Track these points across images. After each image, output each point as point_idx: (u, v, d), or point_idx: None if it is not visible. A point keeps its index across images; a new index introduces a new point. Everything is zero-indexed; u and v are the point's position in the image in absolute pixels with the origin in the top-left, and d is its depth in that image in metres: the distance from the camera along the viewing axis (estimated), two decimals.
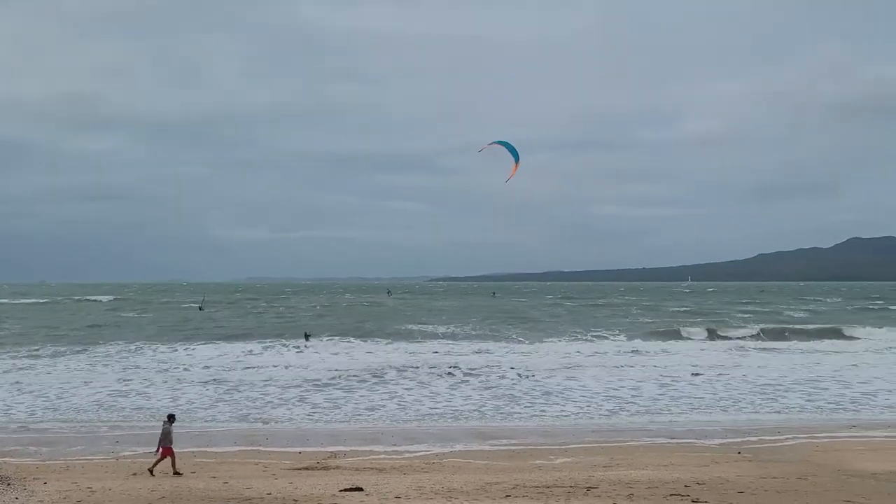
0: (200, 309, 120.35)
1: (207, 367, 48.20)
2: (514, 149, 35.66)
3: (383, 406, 36.13)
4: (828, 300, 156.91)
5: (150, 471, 22.54)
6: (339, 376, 44.12)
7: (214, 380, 43.15)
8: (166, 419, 24.04)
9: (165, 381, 42.53)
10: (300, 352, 57.35)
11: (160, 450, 22.82)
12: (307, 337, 67.88)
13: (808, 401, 37.68)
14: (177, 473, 22.52)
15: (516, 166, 35.66)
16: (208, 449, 27.26)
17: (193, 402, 36.76)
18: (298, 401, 37.31)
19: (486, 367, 48.63)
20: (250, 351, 57.47)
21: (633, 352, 59.04)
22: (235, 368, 48.00)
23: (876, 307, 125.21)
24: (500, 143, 36.35)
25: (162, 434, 23.19)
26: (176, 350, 57.25)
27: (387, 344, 62.69)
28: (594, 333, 72.96)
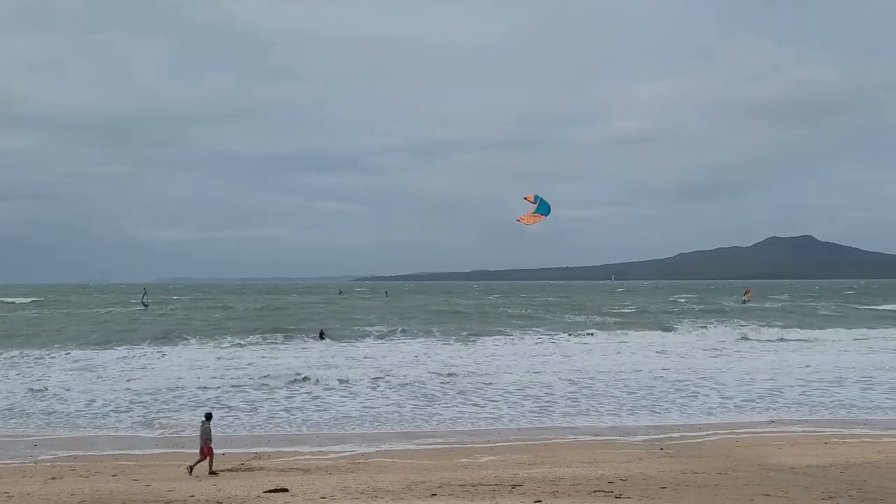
0: (145, 306, 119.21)
1: (129, 369, 47.26)
2: (547, 206, 35.56)
3: (304, 408, 35.69)
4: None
5: (189, 469, 22.69)
6: (263, 377, 43.66)
7: (131, 380, 42.35)
8: (204, 418, 24.12)
9: (83, 384, 41.47)
10: (236, 350, 56.69)
11: (202, 449, 22.97)
12: (322, 335, 67.74)
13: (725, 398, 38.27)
14: (212, 473, 22.60)
15: (538, 217, 35.49)
16: (130, 451, 26.86)
17: (109, 405, 35.82)
18: (215, 402, 36.75)
19: (411, 365, 48.68)
20: (172, 352, 56.60)
21: (553, 347, 59.72)
22: (157, 369, 47.16)
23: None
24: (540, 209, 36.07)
25: (201, 433, 23.33)
26: (97, 352, 56.09)
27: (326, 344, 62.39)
28: (520, 331, 73.33)
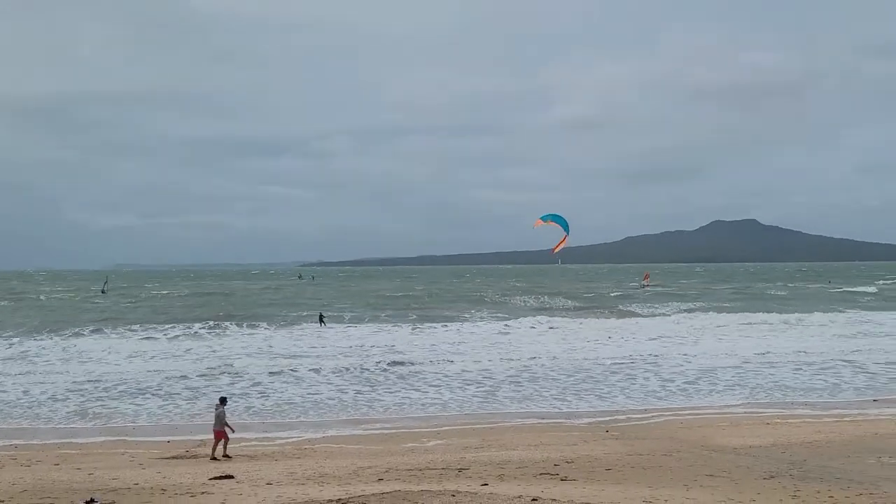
0: (103, 292, 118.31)
1: (68, 358, 46.57)
2: (565, 223, 35.71)
3: (247, 394, 35.34)
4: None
5: (212, 457, 22.86)
6: (205, 365, 43.35)
7: (74, 371, 41.78)
8: (218, 402, 24.29)
9: (19, 372, 40.77)
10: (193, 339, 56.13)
11: (217, 433, 23.22)
12: (322, 319, 67.52)
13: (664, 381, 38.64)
14: (226, 456, 22.88)
15: (565, 238, 35.71)
16: (73, 440, 26.52)
17: (45, 393, 35.13)
18: (155, 392, 36.32)
19: (356, 350, 48.68)
20: (116, 340, 55.93)
21: (499, 332, 59.98)
22: (97, 357, 46.52)
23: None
24: (552, 217, 36.20)
25: (216, 418, 23.51)
26: (37, 340, 55.22)
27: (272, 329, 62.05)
28: (467, 316, 73.45)
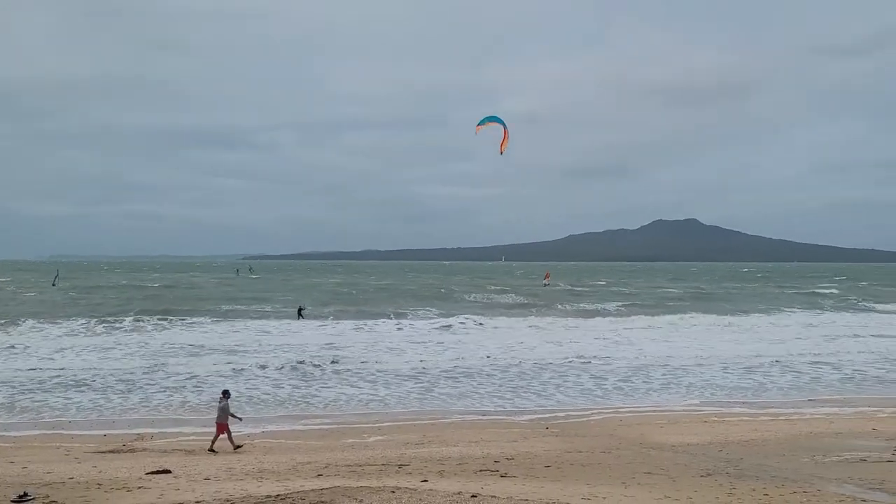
0: (53, 285, 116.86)
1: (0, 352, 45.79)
2: (501, 120, 35.22)
3: (182, 388, 34.90)
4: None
5: (211, 448, 23.07)
6: (142, 358, 42.89)
7: (3, 364, 41.11)
8: (221, 395, 24.43)
9: None
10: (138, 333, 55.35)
11: (219, 426, 23.49)
12: (300, 312, 67.59)
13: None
14: (238, 447, 23.21)
15: (506, 133, 35.09)
16: (5, 433, 26.06)
17: None
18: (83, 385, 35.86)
19: (296, 346, 48.47)
20: (52, 332, 55.06)
21: (444, 328, 60.16)
22: (32, 350, 45.74)
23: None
24: (488, 119, 35.65)
25: (219, 410, 23.71)
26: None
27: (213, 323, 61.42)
28: (408, 313, 73.28)
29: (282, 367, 40.24)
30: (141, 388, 34.76)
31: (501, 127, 35.30)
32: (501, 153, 35.69)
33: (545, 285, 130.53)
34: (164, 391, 34.15)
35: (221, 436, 23.66)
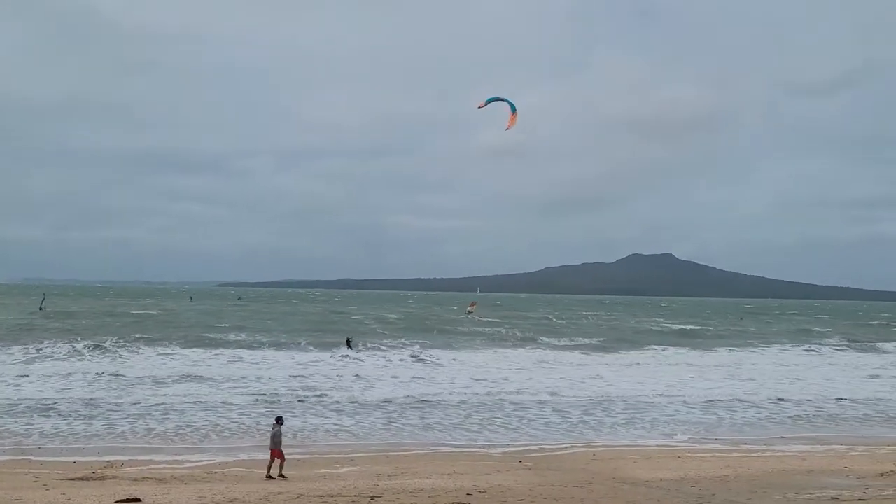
0: (41, 309, 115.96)
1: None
2: (511, 103, 35.32)
3: (147, 415, 34.52)
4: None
5: (268, 475, 23.27)
6: (109, 384, 42.56)
7: None
8: (275, 421, 24.49)
9: None
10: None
11: (272, 452, 23.67)
12: (349, 343, 67.28)
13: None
14: (281, 476, 23.22)
15: (514, 116, 35.18)
16: None
17: None
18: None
19: (269, 373, 48.33)
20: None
21: (412, 358, 59.90)
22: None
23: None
24: (497, 99, 35.64)
25: (273, 437, 23.86)
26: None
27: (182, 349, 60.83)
28: (379, 344, 72.13)
29: (251, 396, 39.95)
30: (104, 414, 34.52)
31: (508, 109, 35.53)
32: (507, 129, 35.93)
33: (468, 313, 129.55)
34: (128, 418, 33.84)
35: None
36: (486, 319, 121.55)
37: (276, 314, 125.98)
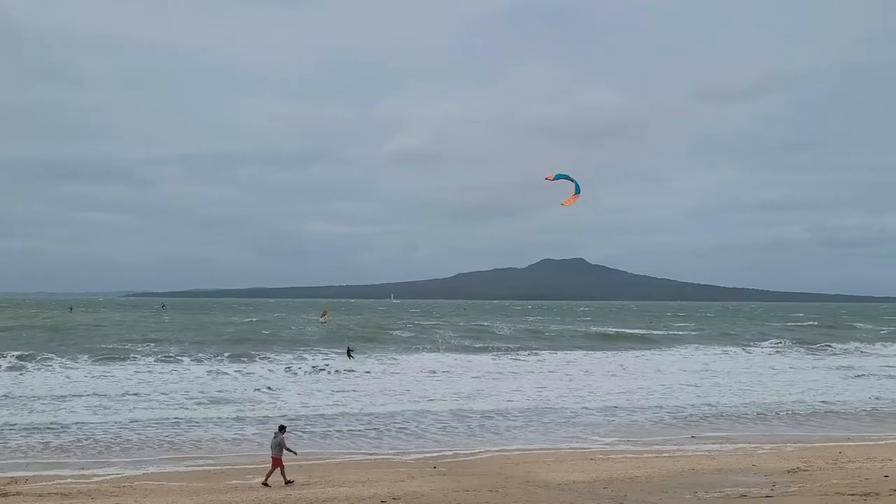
0: None
1: None
2: (576, 183, 35.53)
3: (49, 429, 33.65)
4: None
5: (265, 483, 23.44)
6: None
7: None
8: (277, 430, 24.70)
9: None
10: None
11: (274, 460, 23.85)
12: (350, 353, 66.76)
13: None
14: (288, 482, 23.42)
15: (576, 196, 35.36)
16: None
17: None
18: None
19: (177, 383, 47.65)
20: None
21: (316, 369, 59.33)
22: None
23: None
24: (566, 177, 35.76)
25: (274, 444, 24.03)
26: None
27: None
28: (287, 353, 70.90)
29: (158, 409, 39.10)
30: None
31: (573, 187, 36.06)
32: (563, 204, 36.42)
33: (323, 323, 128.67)
34: (21, 432, 32.85)
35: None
36: (336, 325, 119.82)
37: (190, 324, 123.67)
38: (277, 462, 23.78)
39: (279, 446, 23.94)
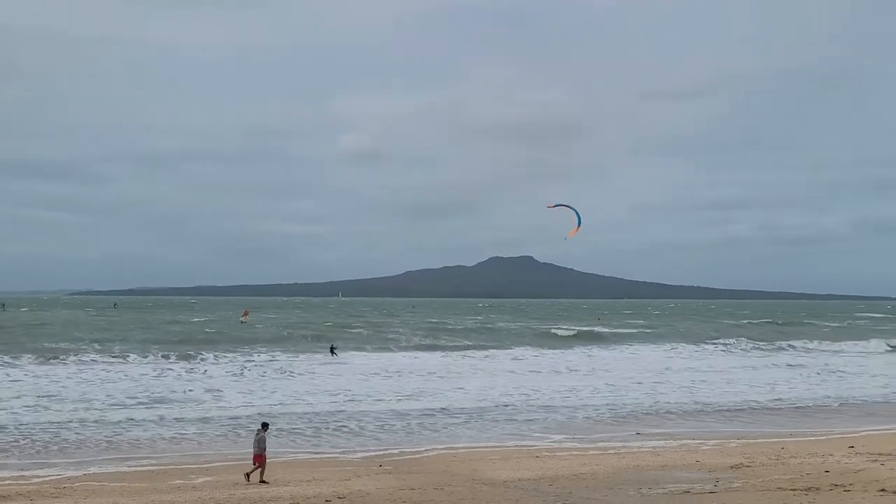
0: None
1: None
2: (578, 214, 35.69)
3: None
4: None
5: (247, 476, 23.59)
6: None
7: None
8: (260, 427, 24.68)
9: None
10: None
11: (255, 458, 23.80)
12: (333, 350, 67.27)
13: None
14: (263, 482, 23.17)
15: (577, 229, 35.59)
16: None
17: None
18: None
19: (122, 387, 47.00)
20: None
21: (263, 368, 58.92)
22: None
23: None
24: (566, 206, 35.82)
25: (256, 441, 23.95)
26: None
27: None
28: (234, 352, 70.22)
29: (99, 409, 38.54)
30: None
31: (576, 218, 36.41)
32: (568, 237, 36.81)
33: (242, 322, 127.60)
34: None
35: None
36: (260, 326, 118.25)
37: (137, 323, 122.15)
38: (260, 459, 23.68)
39: (261, 443, 23.87)
